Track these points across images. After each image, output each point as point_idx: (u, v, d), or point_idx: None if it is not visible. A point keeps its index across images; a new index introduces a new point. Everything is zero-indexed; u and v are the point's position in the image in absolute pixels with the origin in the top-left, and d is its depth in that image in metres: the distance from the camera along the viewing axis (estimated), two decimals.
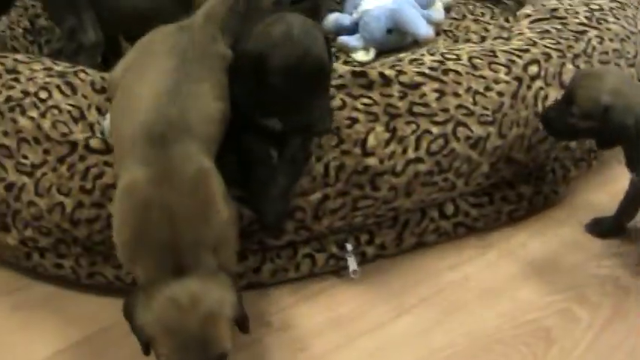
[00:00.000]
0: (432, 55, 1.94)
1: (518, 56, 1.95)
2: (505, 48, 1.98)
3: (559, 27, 2.07)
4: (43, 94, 1.83)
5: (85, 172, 1.72)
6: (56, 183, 1.73)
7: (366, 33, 2.39)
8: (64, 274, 1.83)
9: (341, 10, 2.54)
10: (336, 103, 1.78)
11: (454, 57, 1.93)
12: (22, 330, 1.76)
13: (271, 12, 1.80)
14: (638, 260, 1.91)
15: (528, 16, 2.16)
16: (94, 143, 1.75)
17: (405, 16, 2.33)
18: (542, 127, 1.87)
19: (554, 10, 2.16)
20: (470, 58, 1.93)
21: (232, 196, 1.62)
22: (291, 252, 1.85)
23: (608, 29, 2.12)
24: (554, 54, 1.98)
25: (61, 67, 1.94)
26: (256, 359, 1.68)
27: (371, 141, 1.78)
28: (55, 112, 1.80)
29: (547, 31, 2.05)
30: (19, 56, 1.99)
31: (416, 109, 1.82)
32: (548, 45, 2.00)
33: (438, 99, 1.84)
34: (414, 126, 1.81)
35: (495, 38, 2.07)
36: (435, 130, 1.82)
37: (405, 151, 1.80)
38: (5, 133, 1.79)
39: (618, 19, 2.18)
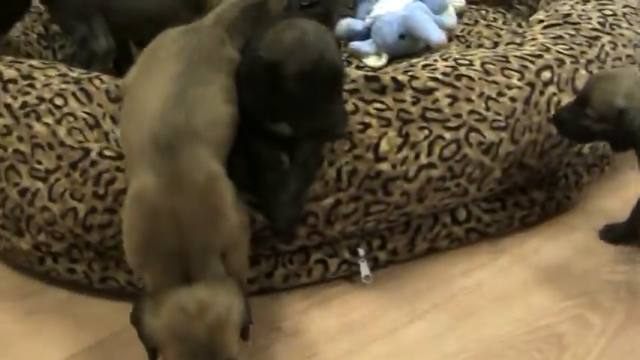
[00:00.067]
0: (444, 60, 1.94)
1: (531, 62, 1.95)
2: (518, 53, 1.98)
3: (572, 33, 2.07)
4: (58, 101, 1.84)
5: (97, 177, 1.72)
6: (69, 188, 1.73)
7: (378, 38, 2.39)
8: (76, 279, 1.84)
9: (353, 16, 2.55)
10: (348, 107, 1.78)
11: (467, 62, 1.92)
12: (35, 334, 1.76)
13: (282, 17, 1.80)
14: None
15: (541, 21, 2.15)
16: (108, 151, 1.75)
17: (418, 21, 2.33)
18: (555, 127, 1.86)
19: (567, 15, 2.15)
20: (482, 64, 1.92)
21: (244, 200, 1.63)
22: (303, 257, 1.85)
23: (622, 35, 2.11)
24: (567, 60, 1.97)
25: (76, 73, 1.95)
26: None
27: (383, 146, 1.78)
28: (71, 119, 1.81)
29: (560, 37, 2.05)
30: (34, 62, 2.00)
31: (429, 114, 1.82)
32: (561, 51, 1.99)
33: (450, 104, 1.84)
34: (426, 131, 1.81)
35: (508, 44, 2.06)
36: (447, 135, 1.82)
37: (417, 157, 1.80)
38: (20, 139, 1.80)
39: (632, 24, 2.17)
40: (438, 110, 1.83)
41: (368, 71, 2.03)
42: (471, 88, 1.87)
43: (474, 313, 1.80)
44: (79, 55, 2.17)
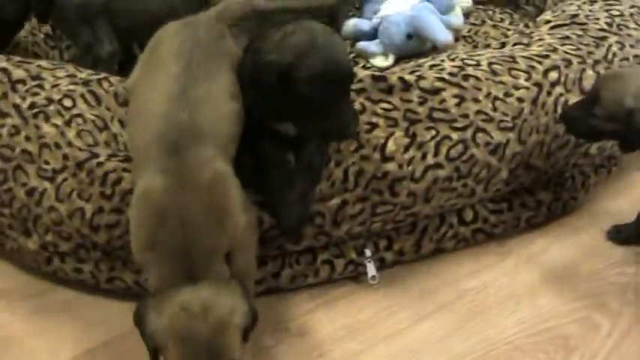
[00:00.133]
0: (452, 60, 1.94)
1: (539, 62, 1.94)
2: (525, 54, 1.97)
3: (579, 33, 2.06)
4: (67, 102, 1.85)
5: (103, 177, 1.72)
6: (77, 188, 1.73)
7: (385, 38, 2.39)
8: (83, 279, 1.85)
9: (360, 16, 2.54)
10: (355, 107, 1.78)
11: (474, 63, 1.92)
12: (42, 334, 1.77)
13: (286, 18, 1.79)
14: None
15: (548, 22, 2.15)
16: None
17: (425, 22, 2.33)
18: (564, 126, 1.85)
19: (575, 16, 2.14)
20: (490, 64, 1.92)
21: (251, 200, 1.63)
22: (310, 258, 1.85)
23: (629, 35, 2.11)
24: (574, 60, 1.97)
25: (84, 74, 1.95)
26: None
27: (390, 146, 1.77)
28: (80, 121, 1.82)
29: (567, 37, 2.04)
30: (42, 62, 2.00)
31: (436, 114, 1.82)
32: (569, 51, 1.99)
33: (457, 105, 1.84)
34: (433, 131, 1.81)
35: (515, 44, 2.06)
36: (454, 135, 1.82)
37: (424, 157, 1.79)
38: (28, 139, 1.80)
39: (639, 25, 2.16)
40: (445, 110, 1.83)
41: (375, 71, 2.02)
42: (478, 89, 1.87)
43: (480, 314, 1.80)
44: (85, 59, 2.18)
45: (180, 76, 1.56)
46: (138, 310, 1.39)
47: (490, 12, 2.66)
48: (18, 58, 2.01)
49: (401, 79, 1.85)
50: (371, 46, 2.41)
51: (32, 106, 1.84)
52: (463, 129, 1.83)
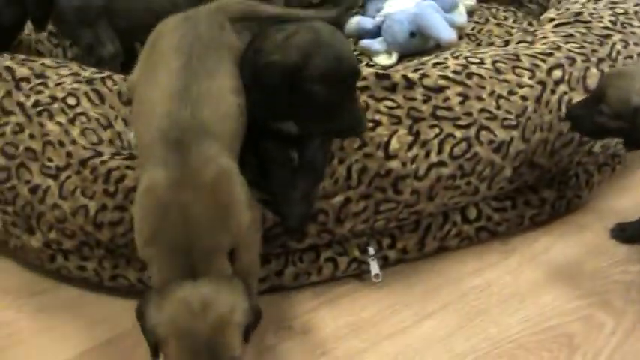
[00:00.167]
0: (455, 58, 1.93)
1: (542, 60, 1.94)
2: (529, 52, 1.97)
3: (583, 31, 2.06)
4: (71, 100, 1.85)
5: (107, 175, 1.72)
6: (80, 186, 1.74)
7: (388, 36, 2.39)
8: (87, 277, 1.85)
9: (363, 14, 2.55)
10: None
11: (478, 61, 1.92)
12: (46, 332, 1.77)
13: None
14: None
15: (552, 20, 2.15)
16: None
17: (428, 20, 2.33)
18: (569, 123, 1.84)
19: (579, 14, 2.14)
20: (493, 62, 1.92)
21: (255, 198, 1.63)
22: (313, 255, 1.85)
23: (633, 33, 2.11)
24: (578, 58, 1.97)
25: (88, 72, 1.96)
26: None
27: (394, 144, 1.77)
28: (84, 119, 1.82)
29: (571, 35, 2.04)
30: (46, 60, 2.01)
31: (439, 112, 1.82)
32: (573, 49, 1.99)
33: (461, 103, 1.83)
34: (437, 130, 1.81)
35: (519, 42, 2.05)
36: (458, 133, 1.82)
37: (427, 155, 1.79)
38: (32, 137, 1.80)
39: None
40: (449, 108, 1.83)
41: (379, 69, 2.02)
42: (482, 87, 1.87)
43: (484, 312, 1.80)
44: (87, 61, 2.18)
45: (181, 72, 1.55)
46: (140, 305, 1.39)
47: (494, 10, 2.66)
48: (22, 56, 2.01)
49: (405, 77, 1.84)
50: (374, 44, 2.41)
51: (36, 104, 1.84)
52: (467, 127, 1.82)
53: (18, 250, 1.90)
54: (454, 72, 1.88)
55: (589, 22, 2.11)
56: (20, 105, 1.85)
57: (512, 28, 2.51)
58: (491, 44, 2.10)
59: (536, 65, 1.93)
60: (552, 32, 2.07)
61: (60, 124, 1.80)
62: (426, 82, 1.84)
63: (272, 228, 1.74)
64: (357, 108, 1.62)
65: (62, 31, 2.33)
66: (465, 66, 1.90)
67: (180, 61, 1.57)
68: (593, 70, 1.97)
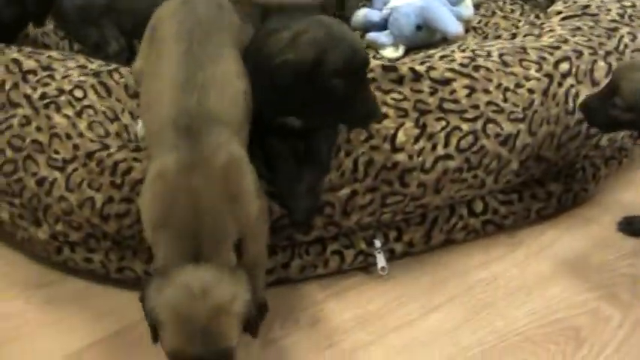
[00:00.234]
0: (462, 51, 1.93)
1: (550, 53, 1.94)
2: (536, 45, 1.97)
3: (591, 24, 2.06)
4: (78, 93, 1.85)
5: (113, 167, 1.73)
6: (87, 178, 1.74)
7: (395, 29, 2.39)
8: (93, 269, 1.85)
9: (369, 7, 2.54)
10: None
11: (485, 53, 1.92)
12: (53, 324, 1.77)
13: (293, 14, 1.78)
14: None
15: (559, 12, 2.14)
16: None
17: (435, 13, 2.33)
18: (583, 116, 1.83)
19: (586, 7, 2.14)
20: (500, 55, 1.92)
21: (263, 190, 1.63)
22: (319, 248, 1.85)
23: None
24: (585, 51, 1.96)
25: (95, 65, 1.96)
26: (284, 355, 1.69)
27: (400, 137, 1.77)
28: (91, 112, 1.82)
29: (579, 28, 2.04)
30: (53, 53, 2.01)
31: (446, 105, 1.81)
32: (580, 42, 1.98)
33: (468, 95, 1.83)
34: (443, 122, 1.80)
35: (526, 35, 2.05)
36: (464, 126, 1.81)
37: (434, 148, 1.79)
38: (39, 129, 1.80)
39: None
40: (456, 101, 1.82)
41: (385, 62, 2.02)
42: (489, 80, 1.86)
43: (490, 305, 1.80)
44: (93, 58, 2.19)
45: (183, 59, 1.54)
46: (142, 288, 1.39)
47: (500, 3, 2.65)
48: (29, 49, 2.02)
49: (411, 69, 1.84)
50: (381, 37, 2.41)
51: (43, 96, 1.85)
52: (473, 120, 1.82)
53: (25, 242, 1.90)
54: (461, 65, 1.88)
55: (596, 14, 2.10)
56: (27, 97, 1.85)
57: (519, 20, 2.51)
58: (498, 37, 2.10)
59: (544, 58, 1.93)
60: (560, 25, 2.07)
61: (67, 116, 1.81)
62: (433, 74, 1.84)
63: (278, 219, 1.74)
64: (372, 96, 1.62)
65: (67, 31, 2.35)
66: (471, 59, 1.90)
67: (181, 49, 1.56)
68: (601, 63, 1.96)
